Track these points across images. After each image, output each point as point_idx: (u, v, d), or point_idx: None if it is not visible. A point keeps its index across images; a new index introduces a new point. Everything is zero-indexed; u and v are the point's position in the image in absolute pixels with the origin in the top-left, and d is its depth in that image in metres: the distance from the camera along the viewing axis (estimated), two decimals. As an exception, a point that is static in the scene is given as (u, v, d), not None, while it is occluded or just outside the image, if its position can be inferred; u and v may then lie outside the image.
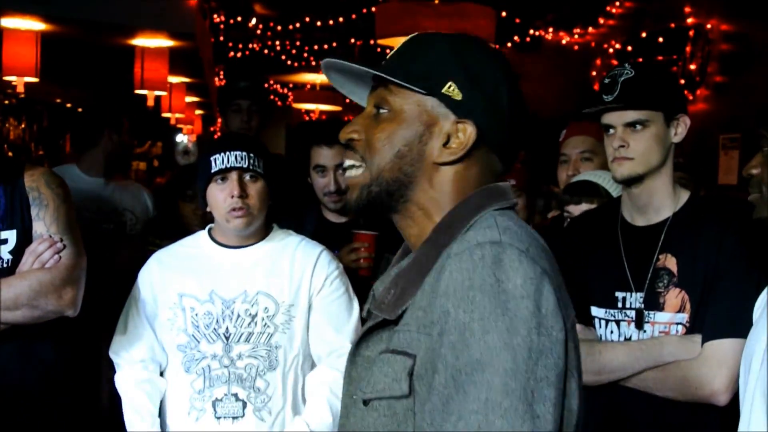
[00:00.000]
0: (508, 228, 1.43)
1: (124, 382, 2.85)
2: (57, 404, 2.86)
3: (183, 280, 2.84)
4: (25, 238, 2.74)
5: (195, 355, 2.78)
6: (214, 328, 2.77)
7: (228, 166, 2.73)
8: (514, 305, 1.30)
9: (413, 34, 1.62)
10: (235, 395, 2.75)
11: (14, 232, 2.73)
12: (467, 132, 1.51)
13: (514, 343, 1.28)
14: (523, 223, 1.51)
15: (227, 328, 2.77)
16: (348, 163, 1.58)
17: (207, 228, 2.95)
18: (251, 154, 2.76)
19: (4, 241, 2.73)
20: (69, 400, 2.93)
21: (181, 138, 16.83)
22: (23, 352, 2.74)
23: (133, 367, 2.84)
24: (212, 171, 2.75)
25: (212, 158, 2.75)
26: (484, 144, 1.54)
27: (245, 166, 2.74)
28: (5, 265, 2.71)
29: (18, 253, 2.72)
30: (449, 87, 1.52)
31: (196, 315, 2.79)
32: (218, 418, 2.75)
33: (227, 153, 2.74)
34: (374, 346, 1.50)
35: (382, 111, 1.55)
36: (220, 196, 2.76)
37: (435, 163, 1.53)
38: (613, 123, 2.53)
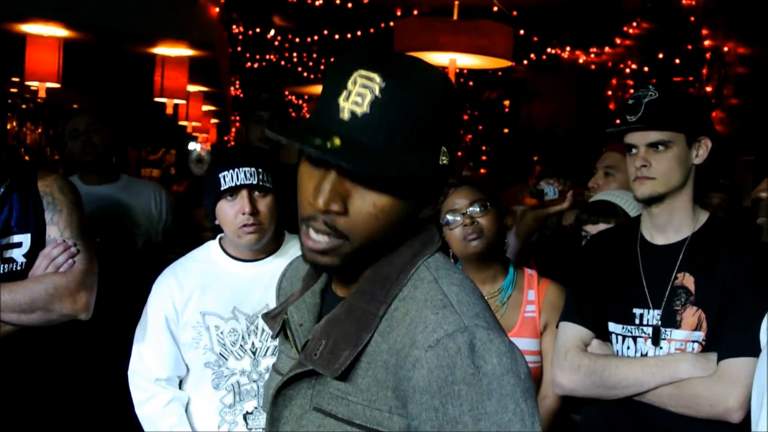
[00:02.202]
0: (457, 296, 1.42)
1: (150, 406, 2.84)
2: (66, 405, 2.89)
3: (203, 298, 2.83)
4: (38, 242, 2.77)
5: (224, 372, 2.80)
6: (241, 345, 2.80)
7: (238, 183, 2.71)
8: (497, 385, 1.33)
9: (383, 76, 1.36)
10: None
11: (28, 235, 2.77)
12: (448, 194, 1.53)
13: (506, 420, 1.32)
14: (455, 270, 1.51)
15: (253, 344, 2.79)
16: (316, 236, 1.44)
17: (218, 238, 2.94)
18: (260, 169, 2.74)
19: (18, 245, 2.76)
20: (78, 402, 2.96)
21: (193, 146, 16.88)
22: (35, 353, 2.77)
23: (157, 388, 2.83)
24: (222, 188, 2.72)
25: (221, 175, 2.72)
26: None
27: (255, 182, 2.72)
28: (19, 268, 2.74)
29: (31, 256, 2.76)
30: (443, 155, 1.45)
31: (222, 333, 2.79)
32: (250, 429, 2.78)
33: (236, 170, 2.71)
34: (300, 394, 1.49)
35: (369, 185, 1.40)
36: (231, 213, 2.74)
37: (419, 219, 1.50)
38: (636, 143, 2.58)
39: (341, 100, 1.37)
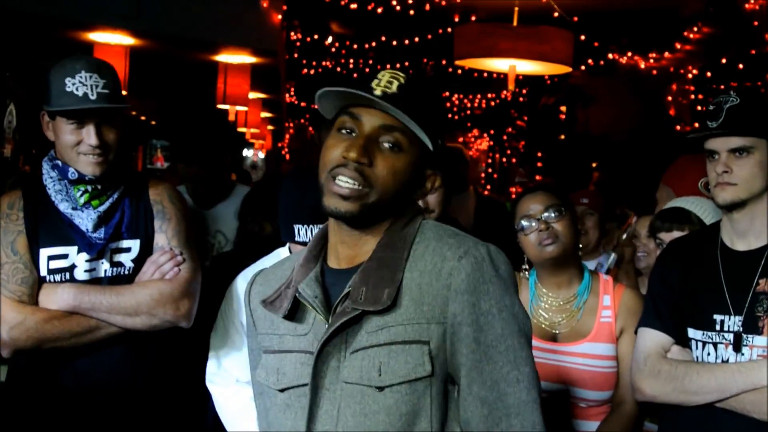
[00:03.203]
0: (459, 230, 1.85)
1: (236, 401, 2.87)
2: (162, 406, 2.96)
3: None
4: (146, 249, 2.87)
5: None
6: None
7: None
8: (508, 284, 1.77)
9: (406, 75, 1.82)
10: None
11: (137, 241, 2.86)
12: (436, 182, 1.94)
13: (516, 310, 1.76)
14: None
15: None
16: (346, 180, 1.77)
17: (287, 246, 2.94)
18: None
19: (127, 250, 2.85)
20: (173, 403, 3.02)
21: (246, 153, 17.01)
22: (130, 353, 2.84)
23: (240, 386, 2.87)
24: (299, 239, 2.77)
25: (295, 227, 2.77)
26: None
27: None
28: (127, 272, 2.84)
29: (139, 261, 2.85)
30: (438, 143, 1.85)
31: None
32: None
33: (318, 226, 2.71)
34: (335, 349, 1.75)
35: (392, 147, 1.79)
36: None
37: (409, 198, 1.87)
38: (717, 149, 2.57)
39: (374, 84, 1.77)
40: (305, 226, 2.77)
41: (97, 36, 7.23)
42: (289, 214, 2.81)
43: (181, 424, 3.08)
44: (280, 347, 1.86)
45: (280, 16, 7.55)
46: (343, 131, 1.80)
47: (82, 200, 2.80)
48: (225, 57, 8.11)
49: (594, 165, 10.30)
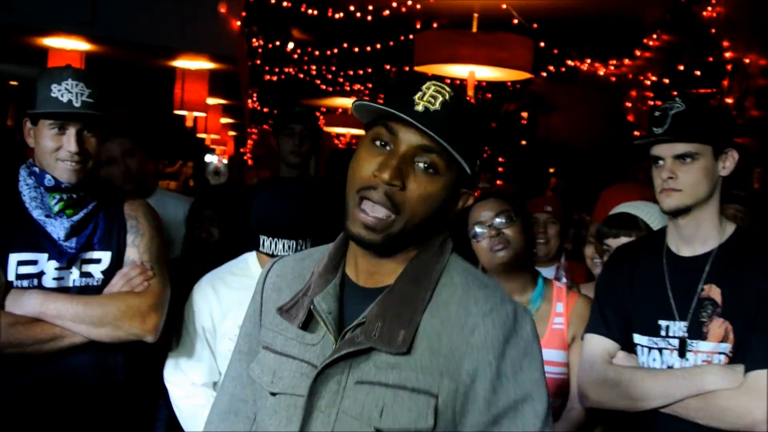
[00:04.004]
0: (489, 280, 1.77)
1: (190, 401, 2.95)
2: (126, 416, 2.96)
3: (242, 313, 2.84)
4: (117, 262, 2.88)
5: None
6: None
7: (274, 252, 2.82)
8: (530, 348, 1.66)
9: (452, 90, 1.70)
10: None
11: (109, 253, 2.88)
12: (469, 201, 1.77)
13: (536, 377, 1.65)
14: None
15: None
16: (374, 209, 1.66)
17: (254, 253, 2.99)
18: (299, 242, 2.83)
19: (98, 261, 2.87)
20: (135, 414, 3.04)
21: (210, 158, 16.95)
22: (95, 363, 2.84)
23: (196, 389, 2.94)
24: (260, 248, 2.86)
25: (262, 239, 2.84)
26: None
27: (290, 252, 2.80)
28: (96, 283, 2.85)
29: (109, 274, 2.86)
30: (477, 165, 1.73)
31: None
32: None
33: (276, 240, 2.82)
34: (338, 372, 1.68)
35: (424, 167, 1.66)
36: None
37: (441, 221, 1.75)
38: (663, 155, 2.57)
39: (416, 98, 1.65)
40: (270, 238, 2.82)
41: (52, 41, 7.14)
42: (257, 224, 2.86)
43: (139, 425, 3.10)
44: (283, 350, 1.79)
45: (239, 23, 7.50)
46: (378, 143, 1.68)
47: (56, 208, 2.81)
48: (182, 63, 8.06)
49: (552, 171, 10.35)
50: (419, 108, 1.64)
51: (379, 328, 1.65)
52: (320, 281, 1.77)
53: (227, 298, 2.92)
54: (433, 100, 1.65)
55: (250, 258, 2.99)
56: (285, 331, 1.80)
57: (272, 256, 2.78)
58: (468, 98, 1.86)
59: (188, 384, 2.95)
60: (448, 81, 10.47)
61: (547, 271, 4.36)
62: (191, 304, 2.97)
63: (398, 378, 1.63)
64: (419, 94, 1.65)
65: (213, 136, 12.84)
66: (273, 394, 1.77)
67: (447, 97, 1.66)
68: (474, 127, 1.71)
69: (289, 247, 2.80)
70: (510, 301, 1.69)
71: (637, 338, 2.66)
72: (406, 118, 1.61)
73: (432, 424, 1.60)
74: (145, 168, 4.24)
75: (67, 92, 2.73)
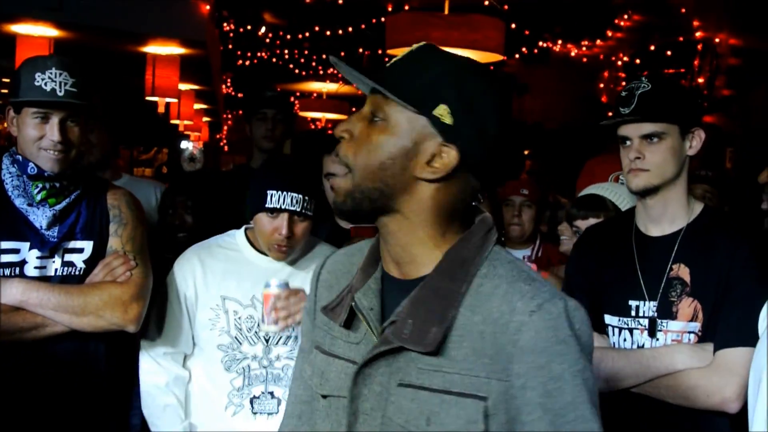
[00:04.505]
0: (536, 274, 1.61)
1: (154, 378, 2.98)
2: (105, 405, 2.96)
3: (225, 284, 2.95)
4: (99, 251, 2.87)
5: (236, 356, 2.93)
6: (255, 332, 2.93)
7: (282, 207, 2.82)
8: (585, 346, 1.53)
9: (422, 44, 1.64)
10: (272, 393, 2.94)
11: (91, 243, 2.87)
12: (450, 156, 1.57)
13: (589, 377, 1.52)
14: None
15: (267, 332, 2.89)
16: (334, 170, 1.65)
17: (243, 229, 3.04)
18: (306, 197, 2.85)
19: (80, 250, 2.86)
20: (115, 401, 3.05)
21: (186, 144, 16.85)
22: (76, 352, 2.84)
23: (164, 362, 2.98)
24: (266, 206, 2.83)
25: (269, 192, 2.83)
26: (466, 168, 1.60)
27: (298, 210, 2.83)
28: (78, 273, 2.84)
29: (91, 263, 2.86)
30: (442, 110, 1.56)
31: (239, 318, 2.93)
32: (255, 413, 2.93)
33: (284, 193, 2.82)
34: (379, 372, 1.60)
35: (376, 119, 1.60)
36: (268, 228, 2.86)
37: (416, 177, 1.59)
38: (630, 135, 2.57)
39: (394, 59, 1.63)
40: (278, 192, 2.84)
41: (20, 28, 7.05)
42: (264, 179, 2.89)
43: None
44: (331, 350, 1.73)
45: (208, 7, 7.45)
46: None
47: (38, 197, 2.81)
48: (153, 48, 7.99)
49: (526, 153, 10.36)
50: (389, 64, 1.63)
51: (410, 325, 1.56)
52: (362, 276, 1.71)
53: (212, 267, 2.96)
54: (400, 55, 1.62)
55: (238, 233, 3.05)
56: (332, 330, 1.74)
57: (279, 210, 2.81)
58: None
59: (159, 354, 2.97)
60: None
61: (522, 253, 4.38)
62: (174, 273, 2.99)
63: (443, 382, 1.54)
64: (402, 53, 1.63)
65: (186, 122, 12.76)
66: (324, 397, 1.71)
67: (414, 48, 1.62)
68: (426, 66, 1.58)
69: (296, 201, 2.82)
70: (561, 296, 1.55)
71: (608, 319, 2.67)
72: (337, 61, 1.61)
73: (483, 429, 1.51)
74: (104, 145, 4.23)
75: (50, 81, 2.74)
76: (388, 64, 1.63)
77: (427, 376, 1.55)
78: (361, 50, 11.32)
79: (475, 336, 1.53)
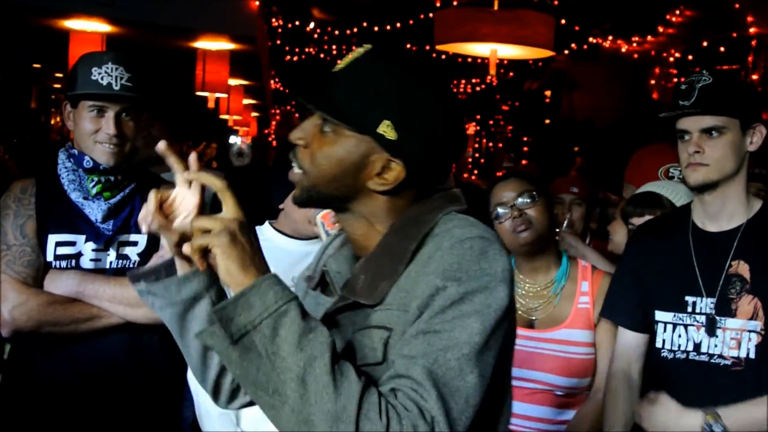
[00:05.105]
0: (487, 228, 1.61)
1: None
2: (159, 397, 2.99)
3: None
4: (153, 245, 2.89)
5: None
6: None
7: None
8: (493, 285, 1.51)
9: (365, 50, 1.65)
10: None
11: (145, 236, 2.89)
12: (396, 170, 1.60)
13: (485, 313, 1.49)
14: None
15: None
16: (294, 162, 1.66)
17: (267, 222, 3.05)
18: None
19: (134, 243, 2.90)
20: (168, 392, 3.07)
21: (234, 139, 16.96)
22: (131, 344, 2.87)
23: None
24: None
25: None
26: (415, 176, 1.63)
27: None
28: (132, 265, 2.88)
29: (145, 256, 2.89)
30: (385, 126, 1.58)
31: None
32: None
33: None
34: (344, 326, 1.64)
35: (326, 129, 1.62)
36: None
37: (368, 188, 1.64)
38: (689, 129, 2.53)
39: (340, 61, 1.65)
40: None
41: (73, 23, 7.16)
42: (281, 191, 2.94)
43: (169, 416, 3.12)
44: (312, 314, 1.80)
45: (257, 3, 7.48)
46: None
47: (94, 191, 2.85)
48: (203, 44, 8.06)
49: (576, 150, 10.28)
50: (335, 69, 1.65)
51: (362, 281, 1.61)
52: (339, 245, 1.79)
53: None
54: (345, 62, 1.65)
55: (263, 227, 3.06)
56: (318, 297, 1.79)
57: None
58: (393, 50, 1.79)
59: None
60: (470, 60, 10.44)
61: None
62: None
63: (367, 320, 1.59)
64: (346, 57, 1.66)
65: (235, 117, 12.86)
66: None
67: (356, 56, 1.63)
68: (370, 82, 1.60)
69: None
70: (488, 239, 1.56)
71: (660, 315, 2.62)
72: (300, 98, 1.64)
73: (380, 357, 1.55)
74: (165, 139, 4.27)
75: (107, 75, 2.79)
76: (333, 74, 1.64)
77: (364, 319, 1.59)
78: (408, 46, 11.31)
79: (403, 278, 1.57)
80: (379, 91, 1.59)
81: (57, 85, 13.77)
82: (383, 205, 1.65)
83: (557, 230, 3.12)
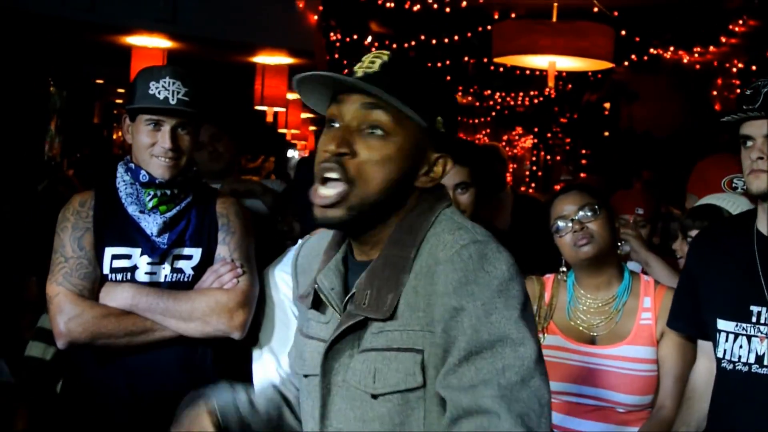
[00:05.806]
0: (472, 224, 1.67)
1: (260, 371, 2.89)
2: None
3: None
4: (207, 259, 2.91)
5: None
6: None
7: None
8: (506, 287, 1.56)
9: (389, 52, 1.70)
10: None
11: (199, 250, 2.92)
12: (446, 165, 1.71)
13: (512, 316, 1.54)
14: None
15: None
16: (329, 175, 1.64)
17: (305, 238, 3.01)
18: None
19: (189, 257, 2.91)
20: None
21: (292, 153, 17.10)
22: (185, 358, 2.88)
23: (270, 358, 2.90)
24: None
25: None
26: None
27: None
28: (186, 279, 2.89)
29: (199, 270, 2.90)
30: (438, 121, 1.68)
31: None
32: None
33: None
34: (347, 345, 1.68)
35: (374, 131, 1.64)
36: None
37: (415, 187, 1.71)
38: (753, 134, 2.47)
39: (355, 68, 1.66)
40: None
41: (135, 39, 7.29)
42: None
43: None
44: (307, 332, 1.82)
45: (316, 17, 7.54)
46: (331, 124, 1.69)
47: (150, 204, 2.87)
48: (262, 58, 8.15)
49: (640, 162, 10.12)
50: (359, 74, 1.65)
51: (368, 296, 1.63)
52: (325, 259, 1.79)
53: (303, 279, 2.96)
54: (372, 65, 1.66)
55: (301, 242, 3.02)
56: (308, 313, 1.83)
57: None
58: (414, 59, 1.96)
59: (274, 371, 2.88)
60: (528, 72, 10.39)
61: (634, 266, 4.26)
62: (269, 291, 2.97)
63: (386, 341, 1.62)
64: (358, 64, 1.67)
65: (293, 131, 12.95)
66: (305, 376, 1.80)
67: (386, 58, 1.66)
68: (421, 79, 1.68)
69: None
70: (480, 242, 1.60)
71: (722, 324, 2.56)
72: (342, 77, 1.62)
73: (421, 380, 1.60)
74: (230, 154, 4.32)
75: (164, 89, 2.82)
76: (368, 75, 1.65)
77: (375, 338, 1.63)
78: (466, 59, 11.28)
79: (410, 293, 1.61)
80: (428, 89, 1.68)
81: (119, 101, 14.01)
82: (410, 204, 1.71)
83: (620, 237, 3.06)
